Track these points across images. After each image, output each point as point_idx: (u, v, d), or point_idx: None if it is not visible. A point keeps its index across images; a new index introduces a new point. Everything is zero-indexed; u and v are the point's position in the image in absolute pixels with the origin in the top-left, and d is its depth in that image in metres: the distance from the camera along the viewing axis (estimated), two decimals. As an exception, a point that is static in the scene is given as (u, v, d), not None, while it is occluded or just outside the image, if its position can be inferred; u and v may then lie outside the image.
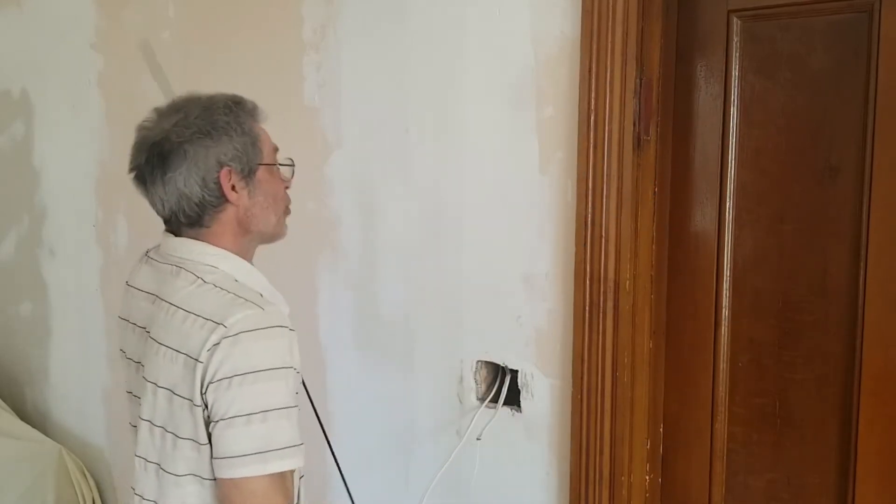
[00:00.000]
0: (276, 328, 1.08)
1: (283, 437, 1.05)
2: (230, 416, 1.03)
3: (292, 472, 1.09)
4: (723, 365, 1.54)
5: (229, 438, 1.03)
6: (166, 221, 1.19)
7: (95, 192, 2.36)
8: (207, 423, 1.06)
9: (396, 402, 1.79)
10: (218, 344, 1.04)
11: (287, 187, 1.24)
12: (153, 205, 1.17)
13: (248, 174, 1.15)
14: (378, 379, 1.78)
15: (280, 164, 1.22)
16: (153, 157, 1.13)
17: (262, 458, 1.03)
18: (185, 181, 1.12)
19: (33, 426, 2.51)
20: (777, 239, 1.47)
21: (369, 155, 1.78)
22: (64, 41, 2.37)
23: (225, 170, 1.13)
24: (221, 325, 1.05)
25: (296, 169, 1.27)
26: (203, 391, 1.05)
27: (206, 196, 1.13)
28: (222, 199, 1.14)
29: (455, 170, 1.66)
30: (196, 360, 1.05)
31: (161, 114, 1.16)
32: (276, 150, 1.22)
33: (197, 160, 1.12)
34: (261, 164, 1.17)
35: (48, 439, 2.43)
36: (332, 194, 1.82)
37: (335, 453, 1.45)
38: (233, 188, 1.14)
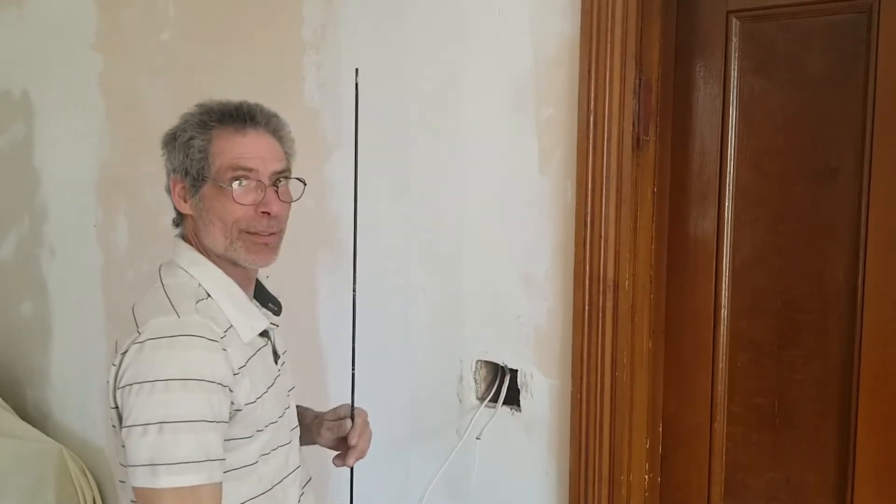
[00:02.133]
0: (185, 337, 1.04)
1: (181, 452, 1.00)
2: (130, 424, 1.02)
3: (213, 489, 1.03)
4: (722, 364, 1.54)
5: (129, 447, 1.02)
6: None
7: (96, 192, 2.36)
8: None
9: (396, 401, 1.80)
10: (127, 351, 1.05)
11: (266, 212, 1.13)
12: None
13: (194, 187, 1.14)
14: (378, 378, 1.78)
15: (225, 186, 1.11)
16: None
17: (152, 470, 1.00)
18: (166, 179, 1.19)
19: (34, 426, 2.51)
20: (776, 239, 1.47)
21: (369, 155, 1.77)
22: (64, 41, 2.38)
23: (172, 178, 1.16)
24: (137, 332, 1.05)
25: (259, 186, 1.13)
26: (114, 395, 1.06)
27: (171, 199, 1.18)
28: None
29: (455, 170, 1.66)
30: (113, 361, 1.07)
31: None
32: (238, 168, 1.12)
33: (165, 163, 1.18)
34: (209, 180, 1.13)
35: (49, 439, 2.43)
36: (332, 194, 1.82)
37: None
38: (185, 199, 1.16)
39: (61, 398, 2.61)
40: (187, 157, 1.13)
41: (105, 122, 2.31)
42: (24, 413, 2.64)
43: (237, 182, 1.12)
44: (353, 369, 1.32)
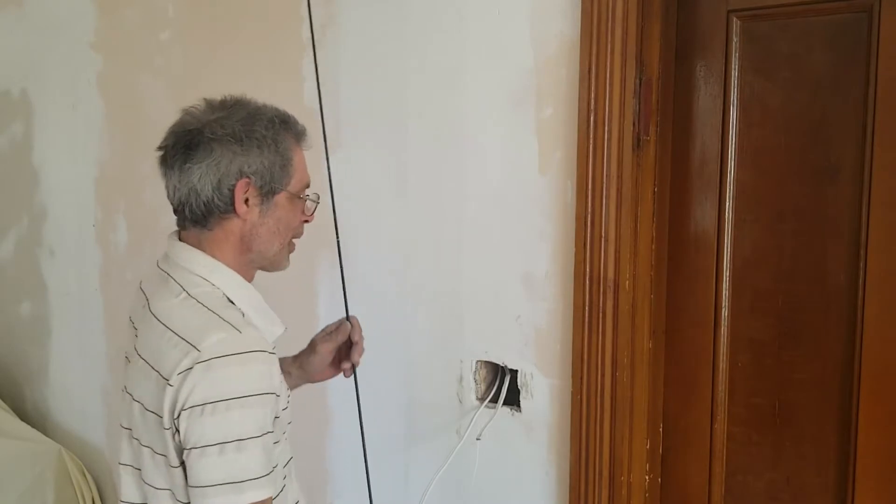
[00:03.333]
0: (252, 353, 1.04)
1: (259, 466, 1.02)
2: (202, 444, 1.00)
3: (271, 499, 1.05)
4: (722, 365, 1.54)
5: (203, 467, 1.00)
6: (175, 212, 1.16)
7: (95, 192, 2.36)
8: (180, 448, 1.03)
9: (396, 401, 1.80)
10: (190, 369, 1.00)
11: (307, 221, 1.21)
12: (167, 190, 1.14)
13: (266, 193, 1.12)
14: (377, 378, 1.78)
15: (304, 198, 1.19)
16: (180, 144, 1.11)
17: (237, 488, 1.00)
18: (199, 177, 1.09)
19: (33, 426, 2.51)
20: (777, 238, 1.47)
21: (369, 155, 1.78)
22: (64, 41, 2.37)
23: (244, 180, 1.10)
24: (195, 349, 1.01)
25: None
26: (175, 416, 1.01)
27: (216, 199, 1.10)
28: (231, 208, 1.10)
29: (454, 170, 1.66)
30: (167, 381, 1.02)
31: (209, 106, 1.14)
32: (307, 184, 1.19)
33: (220, 161, 1.09)
34: (284, 190, 1.14)
35: (48, 439, 2.43)
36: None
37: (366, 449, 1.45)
38: (246, 201, 1.11)
39: (60, 398, 2.61)
40: (280, 165, 1.12)
41: (104, 122, 2.31)
42: (23, 413, 2.64)
43: (310, 198, 1.19)
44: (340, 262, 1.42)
